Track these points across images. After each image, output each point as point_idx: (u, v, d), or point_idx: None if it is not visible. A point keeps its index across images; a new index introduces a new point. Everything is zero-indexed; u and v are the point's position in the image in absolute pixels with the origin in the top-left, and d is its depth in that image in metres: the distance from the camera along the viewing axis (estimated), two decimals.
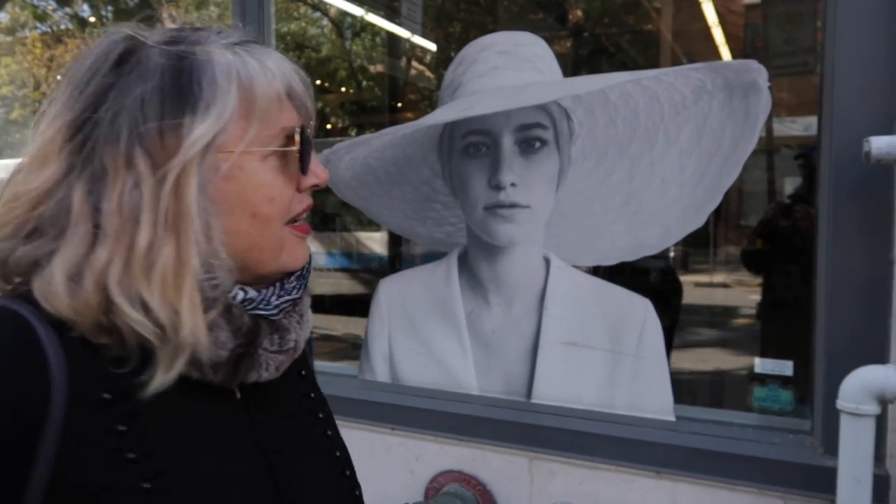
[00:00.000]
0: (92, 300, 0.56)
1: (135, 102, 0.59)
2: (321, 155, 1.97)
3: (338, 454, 0.82)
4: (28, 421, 0.53)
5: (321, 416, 0.82)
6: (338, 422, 1.94)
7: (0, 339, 0.55)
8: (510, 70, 1.74)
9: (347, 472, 0.82)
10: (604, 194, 1.71)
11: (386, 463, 1.89)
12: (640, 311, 1.69)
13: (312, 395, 0.83)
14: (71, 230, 0.57)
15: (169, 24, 0.73)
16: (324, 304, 3.45)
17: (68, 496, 0.54)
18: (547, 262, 1.79)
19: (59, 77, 0.64)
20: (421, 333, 1.92)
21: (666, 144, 1.64)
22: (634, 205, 1.68)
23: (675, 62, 3.31)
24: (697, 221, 1.63)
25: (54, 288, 0.55)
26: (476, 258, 1.86)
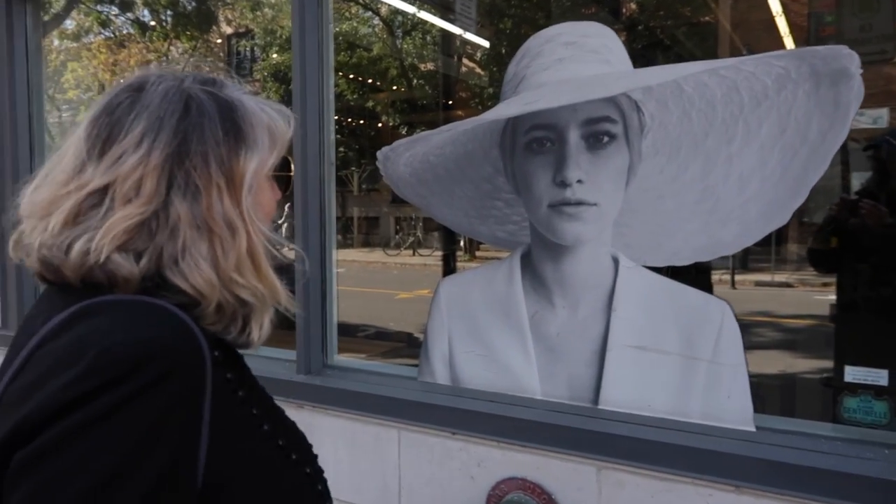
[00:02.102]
0: (215, 280, 0.74)
1: (213, 141, 0.77)
2: (380, 152, 1.93)
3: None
4: (201, 382, 0.68)
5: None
6: (397, 425, 1.90)
7: (173, 326, 0.69)
8: (576, 62, 1.66)
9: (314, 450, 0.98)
10: (676, 191, 1.63)
11: (446, 468, 1.84)
12: (717, 315, 1.60)
13: None
14: (183, 234, 0.73)
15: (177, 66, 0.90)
16: None
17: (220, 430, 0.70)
18: (615, 261, 1.71)
19: (109, 115, 0.77)
20: (482, 335, 1.87)
21: (745, 138, 1.54)
22: (710, 202, 1.59)
23: (735, 54, 3.16)
24: (780, 219, 1.53)
25: (194, 273, 0.72)
26: (540, 258, 1.79)
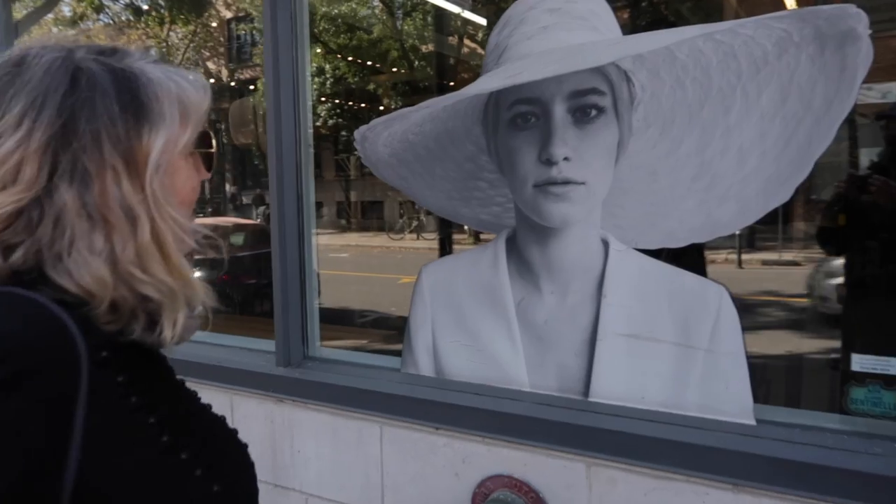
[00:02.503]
0: (108, 277, 0.66)
1: (106, 118, 0.68)
2: (358, 131, 1.82)
3: (228, 427, 0.90)
4: (70, 385, 0.61)
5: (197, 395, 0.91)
6: (379, 419, 1.80)
7: (37, 321, 0.62)
8: (561, 29, 1.54)
9: (244, 443, 0.90)
10: (670, 167, 1.51)
11: (430, 464, 1.75)
12: (714, 300, 1.49)
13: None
14: (70, 225, 0.65)
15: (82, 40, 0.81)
16: None
17: (99, 438, 0.62)
18: (605, 244, 1.60)
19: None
20: (467, 324, 1.76)
21: (744, 108, 1.42)
22: (707, 178, 1.47)
23: None
24: (781, 196, 1.41)
25: (81, 270, 0.65)
26: (526, 241, 1.68)
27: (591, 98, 1.53)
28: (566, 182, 1.55)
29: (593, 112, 1.53)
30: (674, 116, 1.49)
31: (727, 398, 1.47)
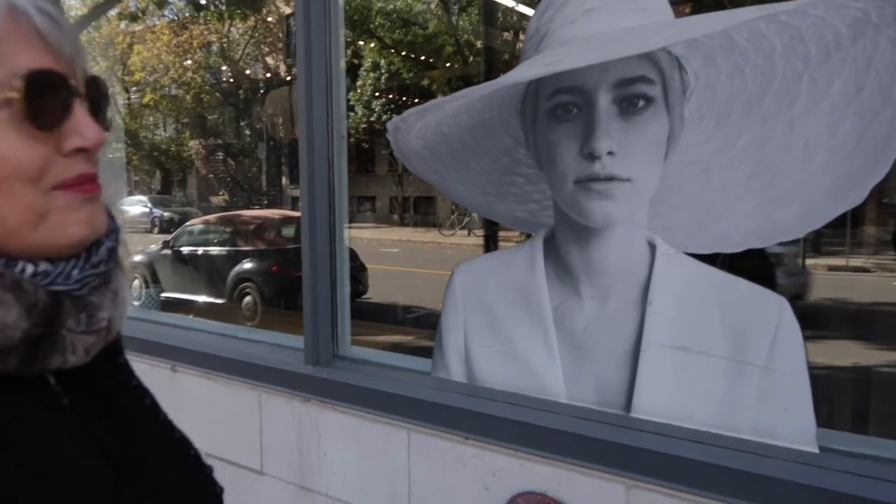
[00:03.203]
0: None
1: None
2: (390, 122, 1.73)
3: (176, 436, 0.76)
4: None
5: (148, 402, 0.76)
6: (407, 425, 1.71)
7: None
8: (607, 13, 1.41)
9: (192, 452, 0.76)
10: (726, 164, 1.37)
11: (457, 476, 1.65)
12: (774, 312, 1.34)
13: (133, 382, 0.76)
14: None
15: None
16: None
17: None
18: (652, 247, 1.47)
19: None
20: (501, 329, 1.66)
21: (812, 98, 1.26)
22: (767, 177, 1.32)
23: None
24: (854, 198, 1.25)
25: None
26: (565, 242, 1.56)
27: (638, 87, 1.40)
28: (610, 178, 1.43)
29: (641, 102, 1.40)
30: (731, 108, 1.34)
31: (786, 422, 1.33)
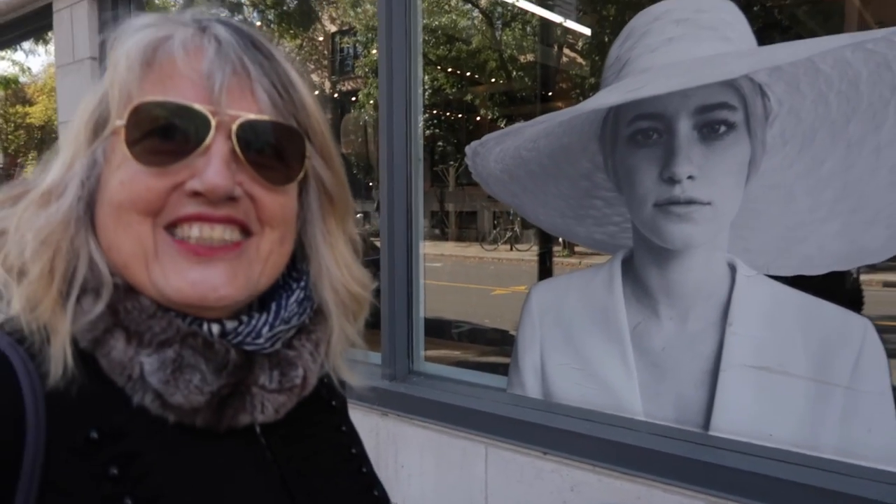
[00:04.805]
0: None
1: None
2: (469, 147, 1.80)
3: (375, 493, 0.71)
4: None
5: (354, 451, 0.72)
6: (484, 440, 1.76)
7: None
8: (689, 41, 1.46)
9: None
10: (810, 187, 1.39)
11: (536, 490, 1.69)
12: (857, 334, 1.36)
13: (344, 428, 0.73)
14: None
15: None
16: None
17: None
18: (732, 269, 1.50)
19: None
20: (578, 347, 1.70)
21: None
22: (852, 200, 1.35)
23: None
24: None
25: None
26: (644, 263, 1.60)
27: (719, 113, 1.44)
28: (690, 202, 1.47)
29: (722, 128, 1.44)
30: (815, 133, 1.37)
31: (870, 442, 1.34)
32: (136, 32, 0.56)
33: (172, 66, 0.54)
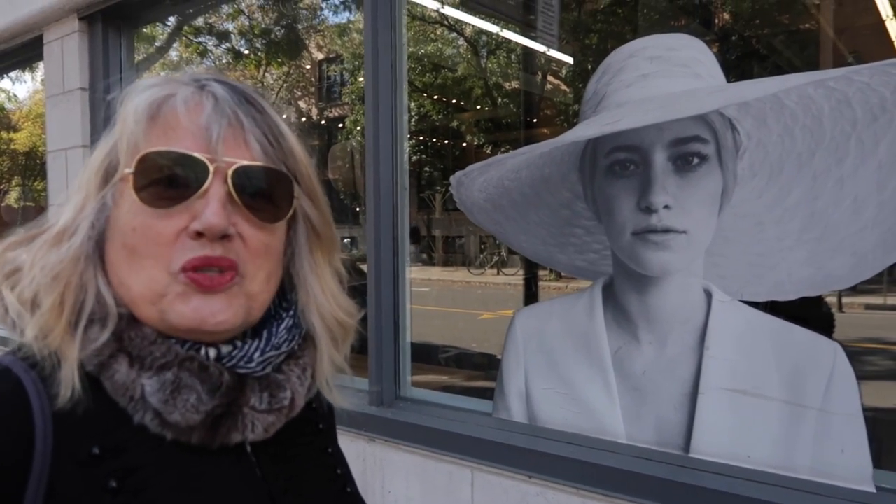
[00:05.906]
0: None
1: None
2: (454, 177, 1.85)
3: None
4: (8, 477, 0.52)
5: (339, 472, 0.77)
6: (470, 464, 1.79)
7: None
8: (662, 77, 1.53)
9: None
10: (778, 217, 1.46)
11: None
12: (828, 357, 1.41)
13: (330, 450, 0.78)
14: None
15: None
16: None
17: None
18: (708, 295, 1.55)
19: None
20: (561, 372, 1.74)
21: (860, 157, 1.36)
22: (818, 229, 1.41)
23: (839, 62, 2.91)
24: None
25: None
26: (623, 289, 1.65)
27: (693, 146, 1.51)
28: (666, 230, 1.53)
29: (695, 160, 1.51)
30: (782, 165, 1.44)
31: (843, 462, 1.39)
32: (143, 91, 0.63)
33: (175, 120, 0.61)
